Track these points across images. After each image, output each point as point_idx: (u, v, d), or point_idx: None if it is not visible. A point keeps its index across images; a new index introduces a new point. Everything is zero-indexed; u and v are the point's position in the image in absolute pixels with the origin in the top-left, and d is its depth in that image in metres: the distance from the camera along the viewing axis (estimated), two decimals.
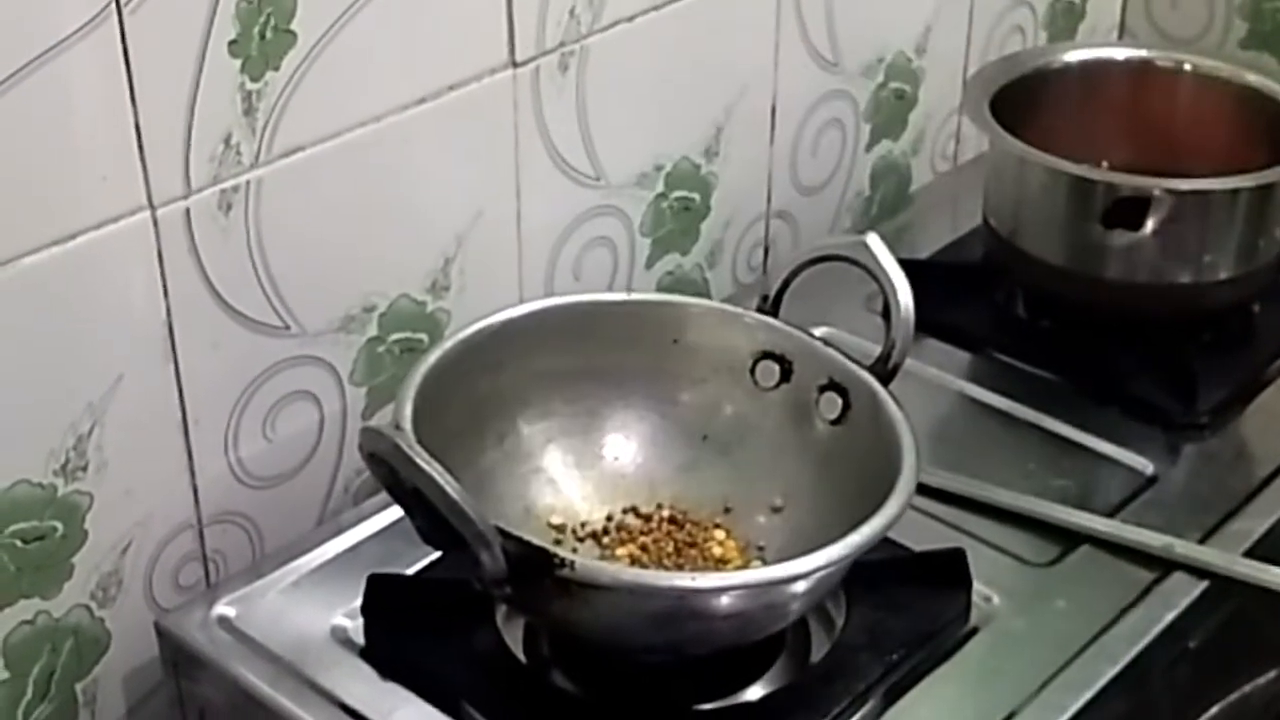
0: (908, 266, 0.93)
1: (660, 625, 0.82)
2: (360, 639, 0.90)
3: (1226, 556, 0.96)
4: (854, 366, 0.93)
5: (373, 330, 1.02)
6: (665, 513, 0.96)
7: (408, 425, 0.84)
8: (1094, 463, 1.05)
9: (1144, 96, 1.25)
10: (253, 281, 0.95)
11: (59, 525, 0.91)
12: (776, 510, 0.95)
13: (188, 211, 0.90)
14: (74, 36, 0.82)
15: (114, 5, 0.83)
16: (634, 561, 0.92)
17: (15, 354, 0.86)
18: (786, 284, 0.97)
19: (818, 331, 0.99)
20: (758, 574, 0.86)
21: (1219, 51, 1.43)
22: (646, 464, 0.97)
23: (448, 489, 0.77)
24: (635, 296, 1.02)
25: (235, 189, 0.92)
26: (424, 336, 1.05)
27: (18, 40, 0.80)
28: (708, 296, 1.23)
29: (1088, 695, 0.88)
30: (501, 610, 0.90)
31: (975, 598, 0.92)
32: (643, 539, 0.94)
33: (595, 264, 1.15)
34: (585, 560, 0.81)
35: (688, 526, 0.95)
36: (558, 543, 0.93)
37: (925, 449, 0.87)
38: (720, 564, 0.93)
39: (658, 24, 1.10)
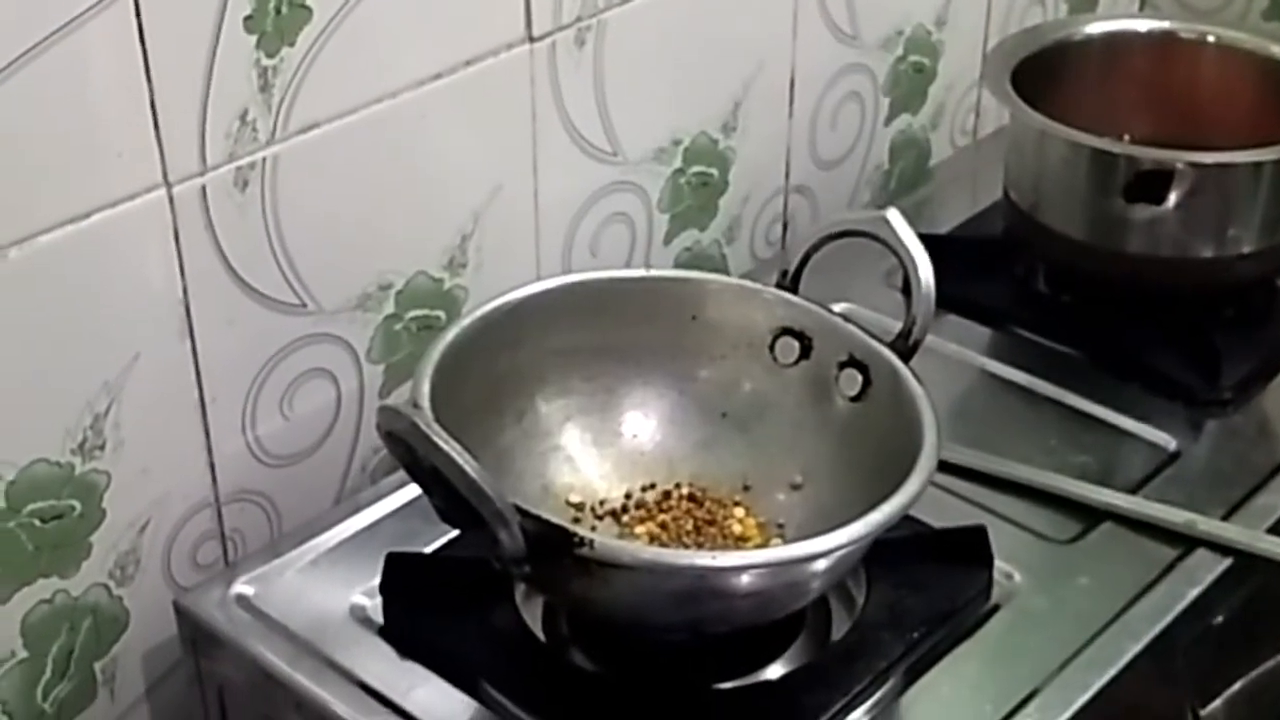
0: (928, 241, 0.93)
1: (680, 604, 0.82)
2: (379, 618, 0.90)
3: (1249, 533, 0.96)
4: (874, 342, 0.92)
5: (390, 308, 1.02)
6: (684, 490, 0.95)
7: (425, 404, 0.83)
8: (1116, 439, 1.05)
9: (1166, 69, 1.24)
10: (269, 259, 0.94)
11: (77, 504, 0.91)
12: (796, 488, 0.94)
13: (204, 189, 0.90)
14: (88, 13, 0.81)
15: None
16: (653, 540, 0.92)
17: (32, 333, 0.86)
18: (806, 259, 0.96)
19: (837, 307, 0.98)
20: (778, 552, 0.86)
21: (1241, 23, 1.42)
22: (665, 441, 0.97)
23: (466, 467, 0.77)
24: (653, 273, 1.01)
25: (251, 166, 0.91)
26: (441, 314, 1.05)
27: (32, 17, 0.80)
28: (726, 272, 1.22)
29: (1110, 673, 0.87)
30: (520, 589, 0.90)
31: (997, 575, 0.92)
32: (662, 517, 0.93)
33: (613, 240, 1.14)
34: (604, 539, 0.80)
35: (707, 504, 0.94)
36: (576, 521, 0.93)
37: (946, 425, 0.87)
38: (740, 542, 0.92)
39: None
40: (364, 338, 1.02)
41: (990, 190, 1.23)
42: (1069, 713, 0.86)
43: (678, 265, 1.20)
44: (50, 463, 0.89)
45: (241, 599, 0.92)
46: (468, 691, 0.86)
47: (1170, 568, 0.94)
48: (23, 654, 0.92)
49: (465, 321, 0.91)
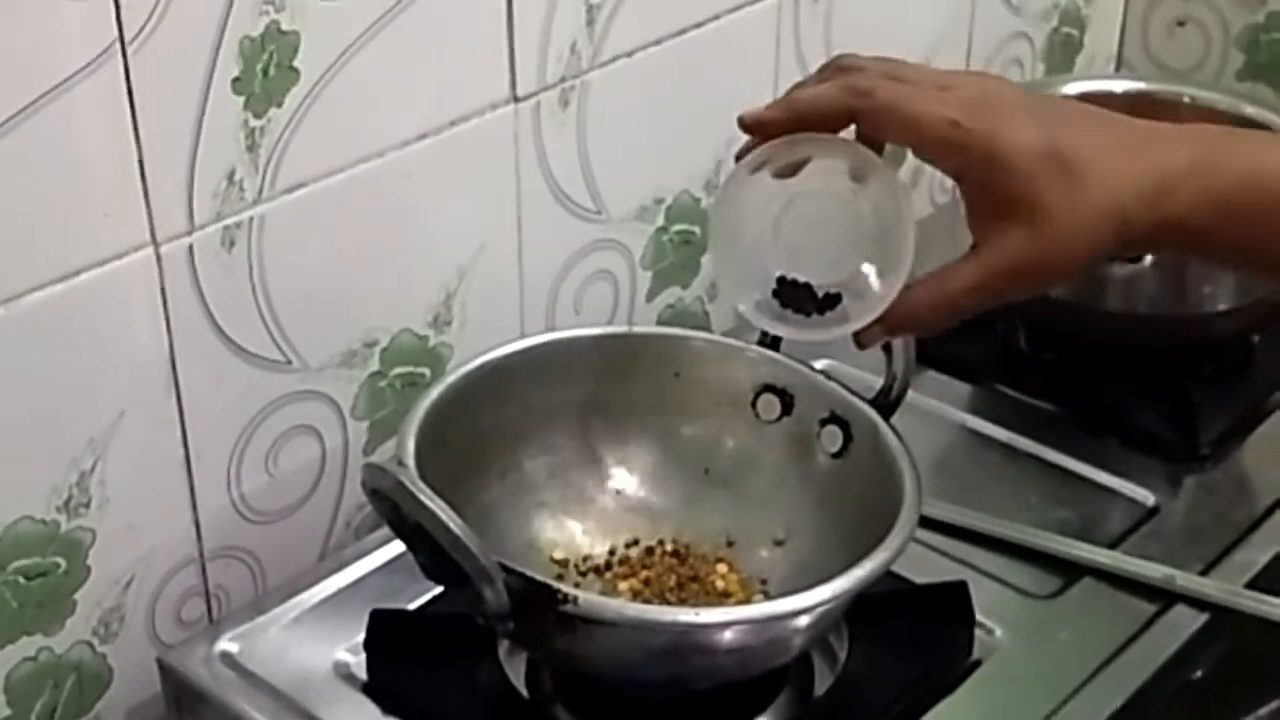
0: None
1: (663, 660, 0.82)
2: (363, 674, 0.90)
3: (1228, 588, 0.96)
4: (855, 399, 0.93)
5: (375, 365, 1.03)
6: (668, 547, 0.96)
7: (410, 461, 0.84)
8: (1095, 494, 1.06)
9: None
10: (255, 317, 0.95)
11: (61, 561, 0.91)
12: (779, 543, 0.95)
13: (191, 248, 0.90)
14: (78, 75, 0.82)
15: (118, 43, 0.83)
16: (636, 596, 0.92)
17: (18, 390, 0.86)
18: None
19: (819, 365, 0.99)
20: (761, 609, 0.86)
21: (1216, 83, 1.44)
22: (648, 498, 0.98)
23: (450, 525, 0.77)
24: (636, 330, 1.02)
25: (238, 225, 0.92)
26: (426, 371, 1.05)
27: (22, 78, 0.81)
28: (709, 330, 1.23)
29: None
30: (504, 645, 0.90)
31: (978, 630, 0.92)
32: (645, 573, 0.94)
33: (596, 297, 1.15)
34: (588, 595, 0.81)
35: (690, 560, 0.95)
36: (560, 577, 0.93)
37: (927, 481, 0.87)
38: (723, 598, 0.93)
39: (658, 58, 1.11)
40: (349, 395, 1.02)
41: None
42: None
43: (661, 322, 1.21)
44: (35, 520, 0.89)
45: (225, 656, 0.92)
46: None
47: (1150, 623, 0.95)
48: (6, 712, 0.91)
49: (450, 379, 0.91)
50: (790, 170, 0.77)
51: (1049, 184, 0.71)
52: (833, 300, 0.78)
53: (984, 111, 0.72)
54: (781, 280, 0.79)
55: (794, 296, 0.78)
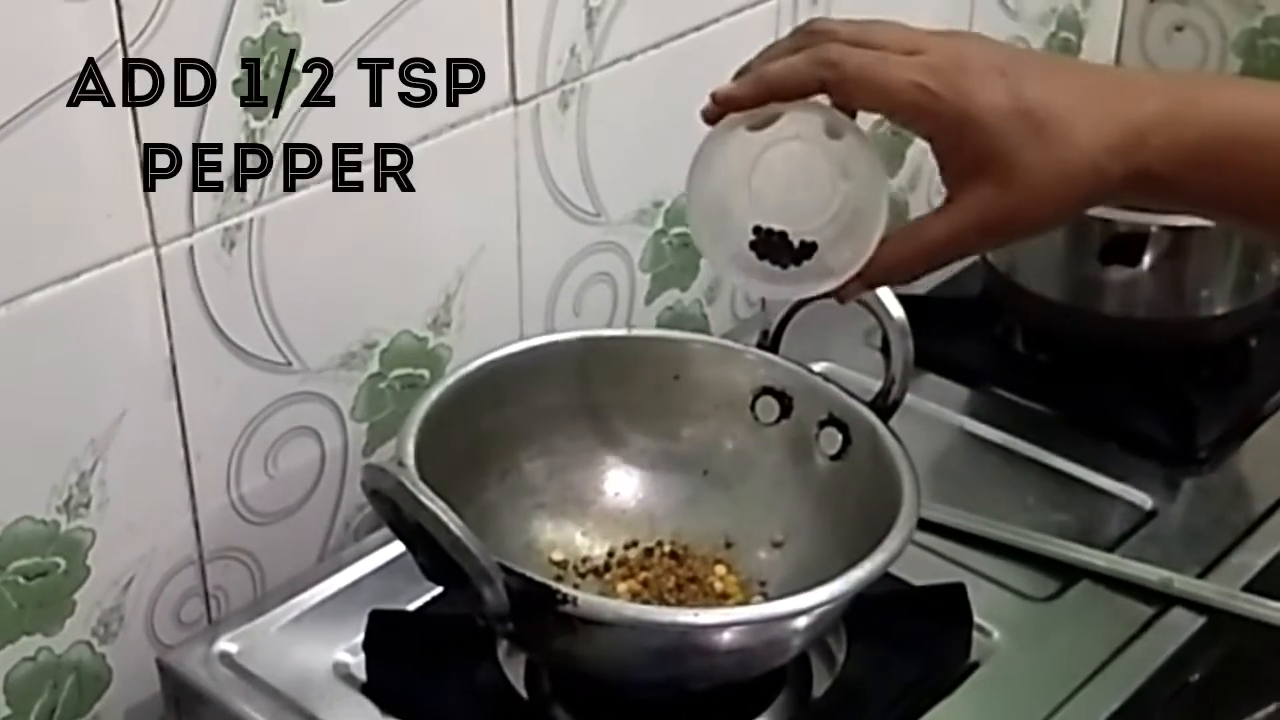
0: (906, 302, 0.94)
1: (662, 661, 0.82)
2: (362, 675, 0.90)
3: (1225, 591, 0.97)
4: (854, 402, 0.93)
5: (374, 366, 1.03)
6: (666, 548, 0.96)
7: (410, 462, 0.84)
8: (1093, 497, 1.06)
9: None
10: (255, 318, 0.95)
11: (61, 561, 0.91)
12: (777, 545, 0.95)
13: (191, 249, 0.91)
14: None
15: (119, 45, 0.83)
16: (635, 597, 0.93)
17: (19, 390, 0.86)
18: (786, 320, 0.97)
19: (817, 367, 0.99)
20: (759, 610, 0.87)
21: None
22: (647, 499, 0.98)
23: (450, 525, 0.77)
24: (635, 332, 1.02)
25: (238, 226, 0.92)
26: (425, 373, 1.05)
27: (24, 79, 0.81)
28: (707, 332, 1.23)
29: None
30: (503, 646, 0.90)
31: (976, 633, 0.93)
32: (644, 574, 0.94)
33: (595, 300, 1.15)
34: (587, 596, 0.81)
35: (689, 562, 0.95)
36: (559, 579, 0.93)
37: (925, 484, 0.88)
38: (721, 599, 0.93)
39: (657, 62, 1.11)
40: (348, 396, 1.02)
41: None
42: None
43: (660, 325, 1.21)
44: (35, 520, 0.89)
45: (225, 656, 0.92)
46: None
47: (1147, 625, 0.95)
48: (5, 711, 0.92)
49: (449, 380, 0.92)
50: (763, 124, 0.77)
51: (1020, 142, 0.71)
52: (808, 249, 0.78)
53: (953, 73, 0.72)
54: (757, 229, 0.78)
55: (770, 247, 0.78)
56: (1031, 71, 0.73)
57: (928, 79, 0.72)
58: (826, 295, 0.78)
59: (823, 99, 0.75)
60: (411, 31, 0.95)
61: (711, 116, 0.77)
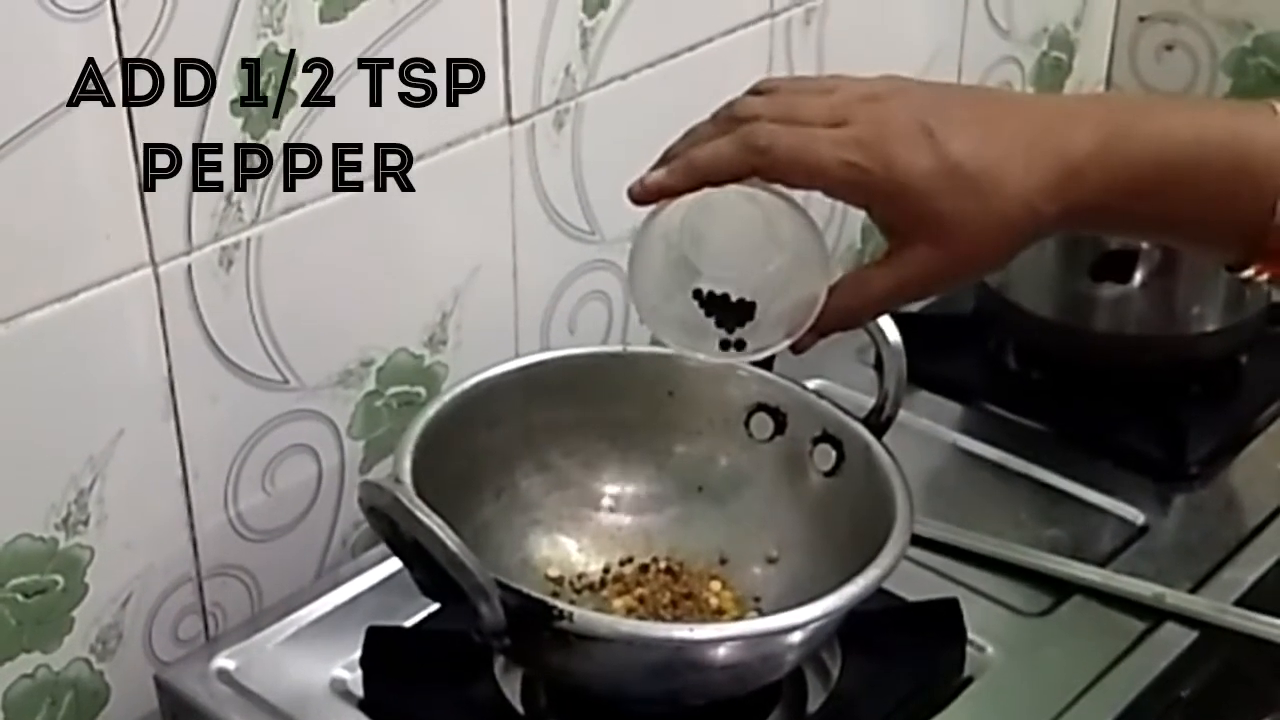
0: (899, 319, 0.94)
1: (657, 676, 0.83)
2: (359, 691, 0.90)
3: (1217, 606, 0.97)
4: (847, 418, 0.94)
5: (371, 384, 1.03)
6: (661, 564, 0.96)
7: (407, 479, 0.84)
8: (1085, 513, 1.06)
9: None
10: (252, 336, 0.96)
11: (60, 579, 0.91)
12: (772, 561, 0.95)
13: (189, 268, 0.91)
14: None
15: (118, 66, 0.84)
16: (631, 613, 0.93)
17: (18, 409, 0.87)
18: None
19: (811, 384, 1.00)
20: (754, 625, 0.87)
21: None
22: (642, 516, 0.98)
23: (447, 542, 0.78)
24: (630, 350, 1.03)
25: (236, 246, 0.93)
26: (421, 390, 1.06)
27: (23, 100, 0.81)
28: None
29: None
30: (500, 662, 0.90)
31: (969, 648, 0.93)
32: (639, 590, 0.94)
33: (590, 318, 1.16)
34: (583, 612, 0.81)
35: (684, 577, 0.96)
36: (555, 595, 0.93)
37: (918, 500, 0.88)
38: (717, 615, 0.93)
39: (651, 81, 1.12)
40: (345, 414, 1.03)
41: None
42: None
43: (654, 342, 1.21)
44: (34, 538, 0.89)
45: (222, 673, 0.92)
46: None
47: (1139, 640, 0.95)
48: None
49: (445, 398, 0.92)
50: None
51: (952, 202, 0.72)
52: (749, 309, 0.78)
53: (880, 144, 0.72)
54: (698, 293, 0.79)
55: (713, 308, 0.79)
56: (959, 123, 0.73)
57: (856, 155, 0.72)
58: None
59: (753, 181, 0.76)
60: (407, 51, 0.96)
61: (640, 200, 0.77)
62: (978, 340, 1.22)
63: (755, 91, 0.79)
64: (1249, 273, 0.73)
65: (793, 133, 0.73)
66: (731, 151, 0.74)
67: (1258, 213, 0.71)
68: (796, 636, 0.84)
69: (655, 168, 0.77)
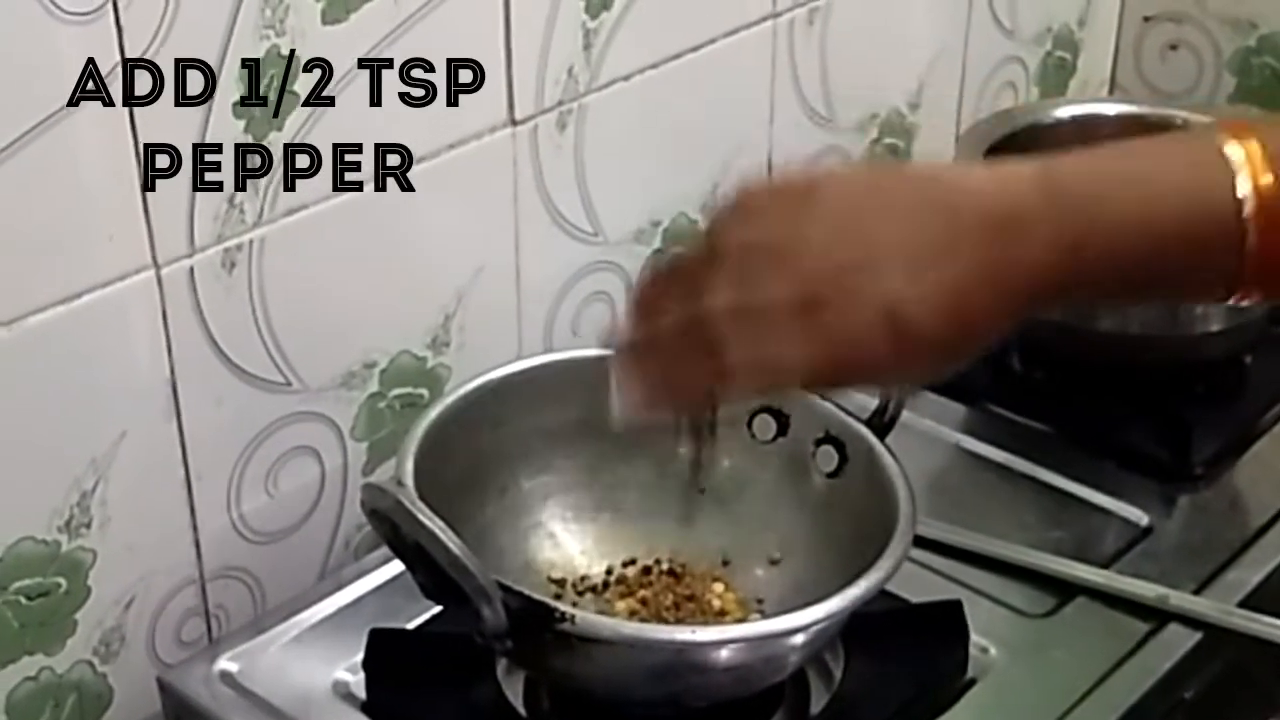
0: None
1: (660, 678, 0.83)
2: (362, 694, 0.90)
3: (1221, 607, 0.97)
4: (850, 420, 0.94)
5: (374, 386, 1.03)
6: (664, 566, 0.96)
7: (409, 481, 0.84)
8: (1089, 514, 1.06)
9: None
10: (255, 338, 0.96)
11: (62, 581, 0.91)
12: (775, 563, 0.95)
13: (192, 270, 0.91)
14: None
15: (119, 68, 0.84)
16: (633, 615, 0.93)
17: (20, 411, 0.87)
18: None
19: None
20: (756, 627, 0.87)
21: (1209, 106, 1.45)
22: (645, 517, 0.98)
23: (449, 544, 0.78)
24: None
25: (238, 248, 0.93)
26: (424, 392, 1.06)
27: (25, 101, 0.81)
28: None
29: None
30: (502, 664, 0.90)
31: (972, 649, 0.93)
32: (642, 592, 0.94)
33: (594, 319, 1.16)
34: (585, 614, 0.81)
35: (686, 579, 0.96)
36: (557, 597, 0.93)
37: (921, 501, 0.88)
38: (719, 617, 0.93)
39: (655, 82, 1.12)
40: (348, 416, 1.03)
41: None
42: None
43: None
44: (37, 540, 0.89)
45: (225, 675, 0.92)
46: None
47: (1143, 642, 0.95)
48: None
49: (448, 400, 0.92)
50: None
51: (919, 373, 0.72)
52: None
53: (843, 339, 0.68)
54: None
55: None
56: (925, 289, 0.68)
57: (819, 360, 0.68)
58: None
59: None
60: (409, 53, 0.96)
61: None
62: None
63: (718, 230, 0.73)
64: (1237, 300, 0.72)
65: (755, 346, 0.69)
66: (694, 377, 0.72)
67: (1227, 257, 0.68)
68: (799, 638, 0.83)
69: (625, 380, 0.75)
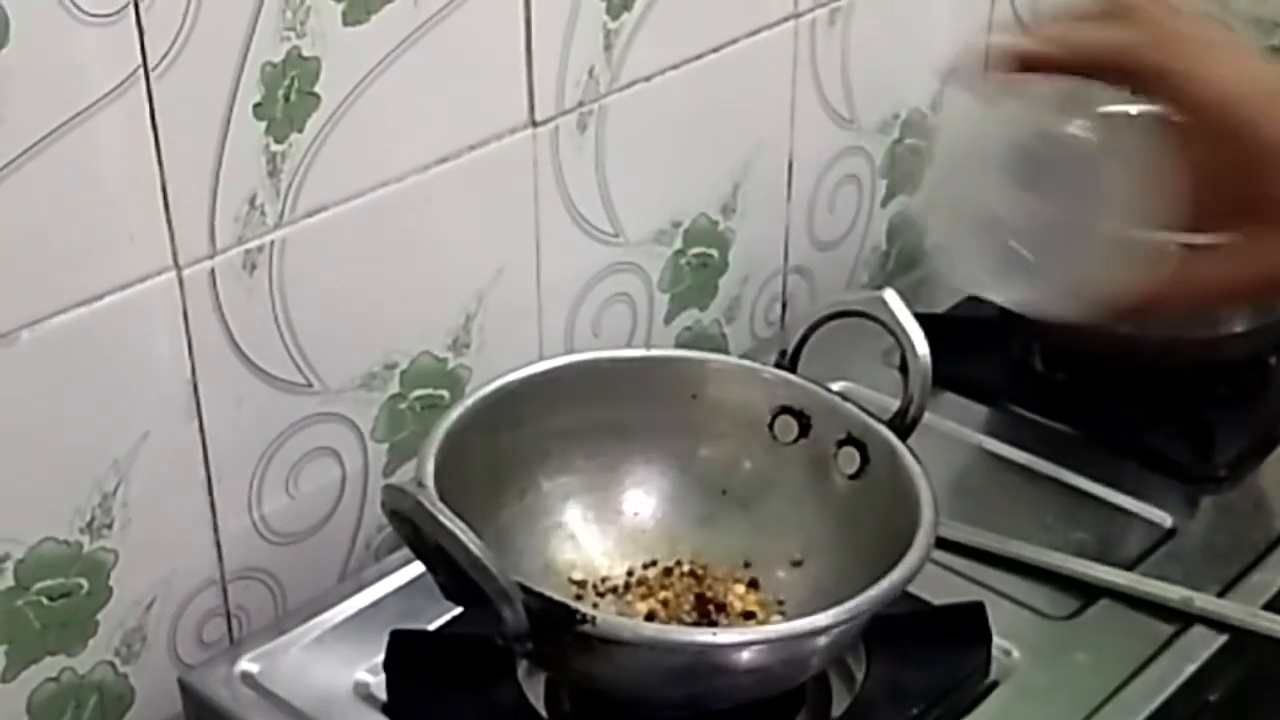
0: (924, 321, 0.94)
1: (681, 680, 0.83)
2: (383, 695, 0.90)
3: (1246, 609, 0.96)
4: (872, 421, 0.93)
5: (394, 387, 1.03)
6: (685, 567, 0.96)
7: (430, 482, 0.84)
8: (1112, 516, 1.06)
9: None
10: (276, 340, 0.96)
11: (84, 582, 0.92)
12: (796, 564, 0.95)
13: (213, 271, 0.91)
14: (103, 100, 0.83)
15: (141, 69, 0.84)
16: (654, 616, 0.93)
17: (43, 412, 0.87)
18: (804, 339, 0.98)
19: (835, 386, 1.00)
20: (778, 628, 0.87)
21: None
22: (666, 519, 0.98)
23: (470, 545, 0.78)
24: (654, 352, 1.03)
25: (260, 249, 0.93)
26: (445, 393, 1.06)
27: (47, 104, 0.82)
28: (726, 352, 1.23)
29: None
30: (523, 666, 0.90)
31: (995, 651, 0.93)
32: (663, 594, 0.94)
33: (614, 320, 1.16)
34: (606, 615, 0.81)
35: (708, 581, 0.95)
36: (578, 598, 0.93)
37: (943, 503, 0.88)
38: (741, 619, 0.93)
39: (675, 83, 1.12)
40: (369, 417, 1.03)
41: None
42: None
43: (678, 345, 1.21)
44: (59, 541, 0.90)
45: (246, 676, 0.92)
46: None
47: (1167, 644, 0.95)
48: None
49: (469, 401, 0.92)
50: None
51: None
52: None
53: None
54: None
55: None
56: None
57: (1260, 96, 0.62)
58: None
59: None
60: (430, 54, 0.96)
61: (999, 70, 0.67)
62: (1003, 342, 1.21)
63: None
64: None
65: (1195, 52, 0.63)
66: (1127, 51, 0.65)
67: None
68: (821, 640, 0.83)
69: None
